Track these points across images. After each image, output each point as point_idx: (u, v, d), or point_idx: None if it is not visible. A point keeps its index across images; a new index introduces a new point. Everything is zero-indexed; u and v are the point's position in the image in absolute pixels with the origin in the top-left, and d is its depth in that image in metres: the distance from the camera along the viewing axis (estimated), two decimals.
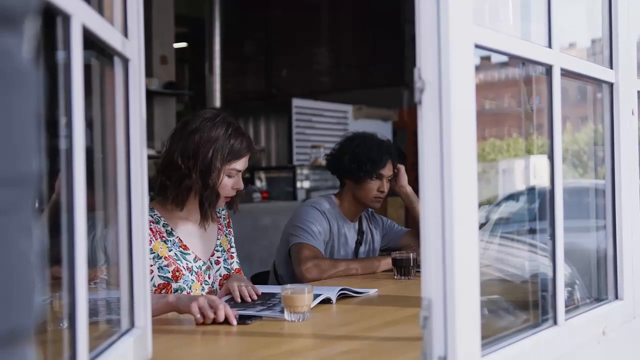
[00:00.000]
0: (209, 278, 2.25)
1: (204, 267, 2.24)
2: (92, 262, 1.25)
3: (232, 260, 2.38)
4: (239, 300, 2.04)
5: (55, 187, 1.03)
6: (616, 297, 1.77)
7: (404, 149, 7.06)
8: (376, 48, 8.56)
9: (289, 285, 1.89)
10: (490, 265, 1.69)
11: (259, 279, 3.00)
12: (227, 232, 2.40)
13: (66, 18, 0.95)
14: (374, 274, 2.73)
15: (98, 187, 1.30)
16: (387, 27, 8.30)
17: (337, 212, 2.91)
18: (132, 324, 1.33)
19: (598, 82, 1.76)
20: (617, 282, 1.77)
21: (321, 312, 1.98)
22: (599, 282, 1.83)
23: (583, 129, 2.02)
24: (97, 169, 1.31)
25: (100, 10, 1.19)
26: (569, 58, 1.56)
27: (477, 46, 1.17)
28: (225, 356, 1.64)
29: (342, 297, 2.15)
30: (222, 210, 2.38)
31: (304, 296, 1.81)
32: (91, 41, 1.08)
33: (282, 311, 1.85)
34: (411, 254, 2.59)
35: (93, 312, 1.11)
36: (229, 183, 2.20)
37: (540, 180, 1.65)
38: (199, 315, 1.77)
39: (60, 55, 0.95)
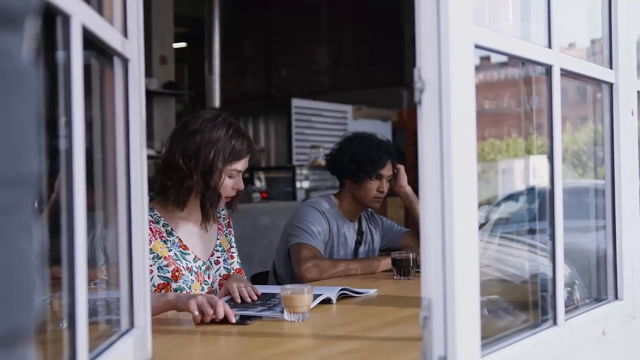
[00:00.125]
0: (209, 278, 2.25)
1: (203, 267, 2.24)
2: (91, 262, 1.25)
3: (232, 260, 2.38)
4: (238, 300, 2.03)
5: (55, 187, 1.03)
6: (616, 298, 1.77)
7: (404, 149, 7.06)
8: (376, 48, 8.56)
9: (288, 286, 1.89)
10: (490, 266, 1.69)
11: (258, 279, 3.00)
12: (227, 232, 2.40)
13: (66, 18, 0.95)
14: (373, 274, 2.73)
15: (98, 187, 1.30)
16: (387, 27, 8.30)
17: (336, 212, 2.91)
18: (131, 324, 1.33)
19: (598, 82, 1.77)
20: (616, 283, 1.77)
21: (321, 312, 1.98)
22: (598, 282, 1.83)
23: (583, 129, 2.02)
24: (96, 169, 1.31)
25: (100, 10, 1.19)
26: (569, 58, 1.56)
27: (477, 46, 1.17)
28: (225, 356, 1.64)
29: (342, 297, 2.15)
30: (222, 210, 2.39)
31: (303, 296, 1.81)
32: (91, 41, 1.08)
33: (282, 311, 1.84)
34: (411, 254, 2.59)
35: (93, 312, 1.11)
36: (229, 183, 2.21)
37: (540, 181, 1.65)
38: (197, 313, 1.76)
39: (60, 55, 0.95)
